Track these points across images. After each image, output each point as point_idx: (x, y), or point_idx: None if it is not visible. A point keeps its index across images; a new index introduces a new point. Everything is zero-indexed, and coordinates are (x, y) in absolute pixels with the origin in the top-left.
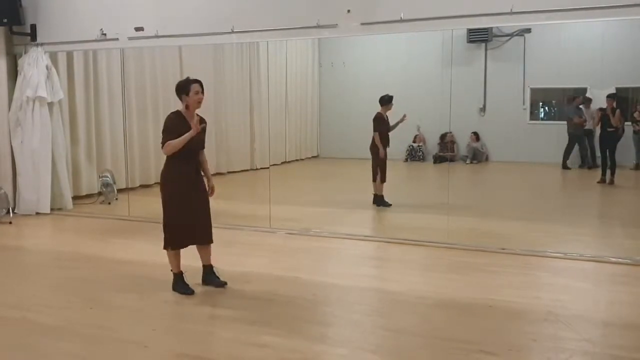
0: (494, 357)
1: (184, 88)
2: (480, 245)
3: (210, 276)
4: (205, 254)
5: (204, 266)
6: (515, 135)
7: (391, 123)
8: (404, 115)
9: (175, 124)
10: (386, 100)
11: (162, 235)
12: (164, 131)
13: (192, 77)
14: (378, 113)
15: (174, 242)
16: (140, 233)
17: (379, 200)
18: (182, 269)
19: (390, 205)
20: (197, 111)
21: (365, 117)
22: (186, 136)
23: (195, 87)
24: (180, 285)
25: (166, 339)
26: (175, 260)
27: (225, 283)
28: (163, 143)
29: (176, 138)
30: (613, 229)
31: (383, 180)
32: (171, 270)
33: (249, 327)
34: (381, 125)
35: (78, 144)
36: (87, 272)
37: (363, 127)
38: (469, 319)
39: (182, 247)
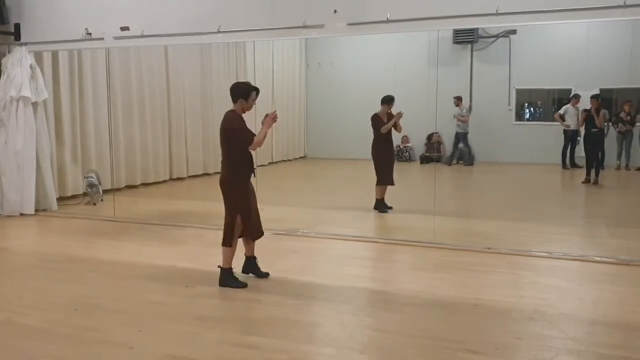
0: (480, 356)
1: (245, 92)
2: (467, 245)
3: (254, 267)
4: (252, 246)
5: (248, 257)
6: (500, 135)
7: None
8: (399, 113)
9: (243, 121)
10: (384, 100)
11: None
12: (239, 130)
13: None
14: (375, 114)
15: (252, 236)
16: (125, 234)
17: (379, 205)
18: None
19: (390, 208)
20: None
21: (352, 117)
22: (267, 129)
23: (254, 95)
24: (232, 279)
25: (152, 340)
26: (232, 256)
27: (268, 274)
28: (246, 140)
29: (246, 132)
30: (598, 229)
31: (385, 182)
32: (219, 267)
33: (235, 327)
34: (379, 126)
35: (63, 144)
36: (72, 273)
37: (350, 128)
38: (455, 318)
39: (255, 239)
